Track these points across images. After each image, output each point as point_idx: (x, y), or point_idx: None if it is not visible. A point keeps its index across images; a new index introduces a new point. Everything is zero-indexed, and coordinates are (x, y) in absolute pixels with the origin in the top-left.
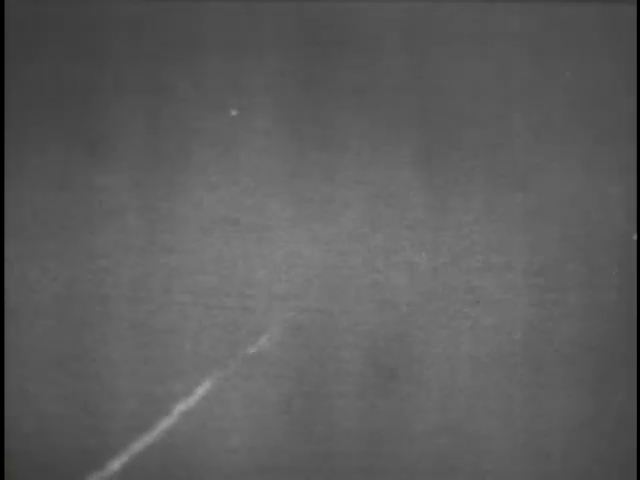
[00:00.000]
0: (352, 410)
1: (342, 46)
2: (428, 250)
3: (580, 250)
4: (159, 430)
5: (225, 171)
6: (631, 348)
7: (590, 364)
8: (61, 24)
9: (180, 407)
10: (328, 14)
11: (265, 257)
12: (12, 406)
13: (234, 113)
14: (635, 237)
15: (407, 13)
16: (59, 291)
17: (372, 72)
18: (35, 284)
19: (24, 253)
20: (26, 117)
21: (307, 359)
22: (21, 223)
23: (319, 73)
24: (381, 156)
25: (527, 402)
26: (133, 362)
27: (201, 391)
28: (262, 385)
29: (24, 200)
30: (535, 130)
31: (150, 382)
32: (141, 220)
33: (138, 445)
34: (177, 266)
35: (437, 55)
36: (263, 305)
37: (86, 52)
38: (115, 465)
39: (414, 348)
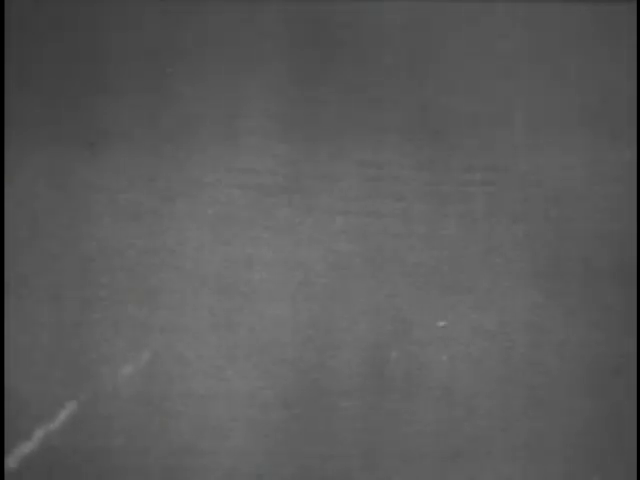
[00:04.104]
0: (352, 410)
1: (342, 46)
2: (428, 250)
3: (580, 250)
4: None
5: (225, 171)
6: (631, 348)
7: (590, 364)
8: (61, 24)
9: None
10: (328, 14)
11: (264, 257)
12: (12, 406)
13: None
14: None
15: (407, 13)
16: (59, 291)
17: (372, 72)
18: (35, 284)
19: (24, 253)
20: (26, 117)
21: (307, 359)
22: (21, 223)
23: (319, 73)
24: (381, 156)
25: (527, 402)
26: (132, 362)
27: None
28: (261, 385)
29: (24, 200)
30: (535, 130)
31: (150, 382)
32: (141, 220)
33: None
34: (177, 266)
35: (437, 55)
36: (263, 305)
37: (86, 52)
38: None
39: (414, 348)
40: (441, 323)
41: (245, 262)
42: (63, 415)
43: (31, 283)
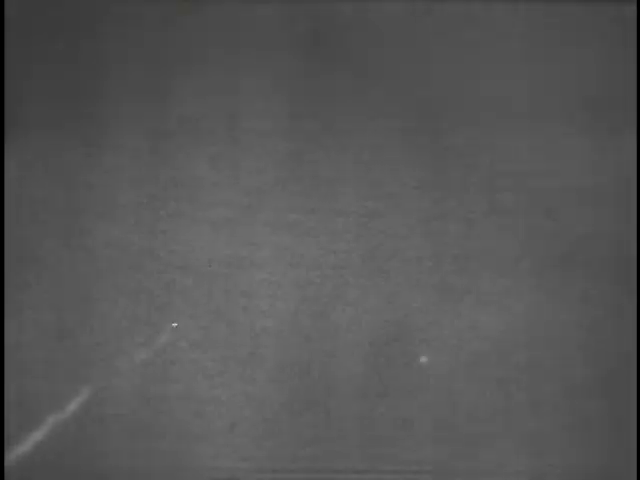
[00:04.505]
0: (352, 410)
1: (342, 45)
2: (428, 250)
3: (580, 250)
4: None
5: (225, 171)
6: (631, 348)
7: (590, 364)
8: (61, 24)
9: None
10: (328, 14)
11: (265, 257)
12: (12, 406)
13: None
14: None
15: (407, 12)
16: (60, 291)
17: (372, 72)
18: (35, 284)
19: (24, 253)
20: (26, 117)
21: (307, 359)
22: (21, 223)
23: (318, 73)
24: (381, 156)
25: (527, 402)
26: (132, 362)
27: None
28: (262, 385)
29: (24, 200)
30: (535, 130)
31: (149, 383)
32: (141, 220)
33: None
34: (177, 266)
35: (438, 55)
36: (263, 306)
37: (86, 52)
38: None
39: (414, 348)
40: (423, 359)
41: (245, 262)
42: (62, 415)
43: (31, 283)
